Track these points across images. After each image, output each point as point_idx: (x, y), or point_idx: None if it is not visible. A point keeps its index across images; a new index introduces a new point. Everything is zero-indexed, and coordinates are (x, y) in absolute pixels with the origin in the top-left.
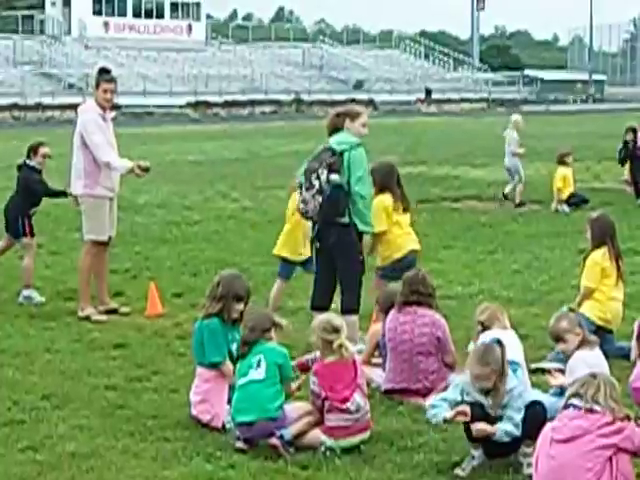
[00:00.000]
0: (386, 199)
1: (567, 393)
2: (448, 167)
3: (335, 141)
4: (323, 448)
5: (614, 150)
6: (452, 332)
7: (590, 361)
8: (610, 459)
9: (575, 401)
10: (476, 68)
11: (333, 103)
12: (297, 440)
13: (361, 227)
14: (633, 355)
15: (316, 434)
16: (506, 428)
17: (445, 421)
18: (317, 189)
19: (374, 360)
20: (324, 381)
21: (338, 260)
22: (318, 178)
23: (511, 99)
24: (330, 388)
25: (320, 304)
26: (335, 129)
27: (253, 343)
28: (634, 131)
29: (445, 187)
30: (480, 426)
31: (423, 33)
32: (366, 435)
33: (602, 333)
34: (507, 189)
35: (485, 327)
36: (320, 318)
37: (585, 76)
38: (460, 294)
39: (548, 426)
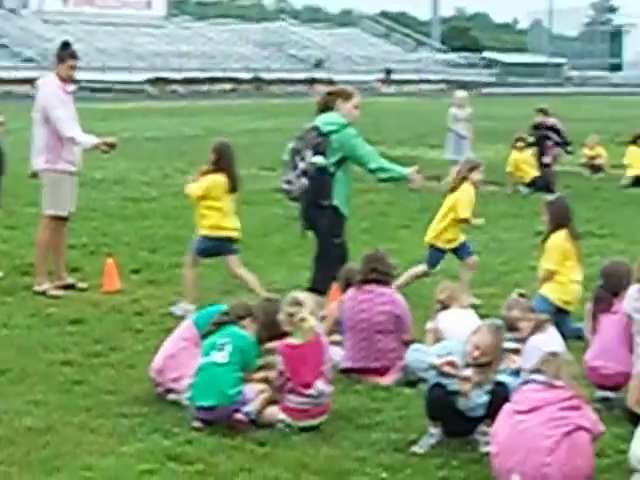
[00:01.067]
0: (220, 179)
1: (528, 370)
2: (407, 148)
3: (322, 121)
4: (281, 425)
5: (573, 133)
6: (411, 311)
7: (544, 347)
8: (569, 434)
9: (536, 377)
10: (436, 49)
11: (293, 82)
12: (257, 417)
13: (399, 173)
14: (587, 334)
15: (275, 412)
16: (479, 401)
17: (431, 366)
18: (301, 170)
19: (332, 338)
20: (289, 363)
21: (319, 240)
22: (303, 159)
23: (471, 81)
24: (294, 371)
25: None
26: (325, 108)
27: (223, 325)
28: (545, 113)
29: (404, 167)
30: (466, 373)
31: (383, 13)
32: (325, 417)
33: (560, 315)
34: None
35: (444, 306)
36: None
37: (544, 59)
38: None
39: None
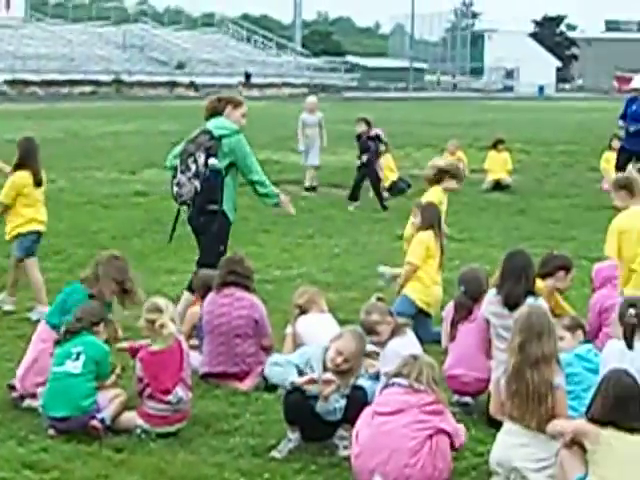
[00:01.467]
0: (25, 175)
1: (390, 373)
2: (269, 151)
3: (213, 125)
4: (139, 431)
5: (433, 137)
6: (270, 315)
7: (403, 351)
8: (431, 437)
9: (399, 380)
10: (298, 53)
11: (154, 84)
12: (113, 423)
13: (272, 201)
14: (444, 342)
15: (132, 417)
16: (336, 405)
17: (291, 384)
18: (194, 173)
19: (190, 342)
20: (148, 369)
21: (204, 245)
22: (195, 162)
23: (333, 85)
24: (154, 377)
25: None
26: (214, 113)
27: (76, 333)
28: (367, 122)
29: (265, 171)
30: (328, 376)
31: (245, 16)
32: (184, 423)
33: (421, 317)
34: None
35: (303, 310)
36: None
37: (406, 64)
38: (278, 278)
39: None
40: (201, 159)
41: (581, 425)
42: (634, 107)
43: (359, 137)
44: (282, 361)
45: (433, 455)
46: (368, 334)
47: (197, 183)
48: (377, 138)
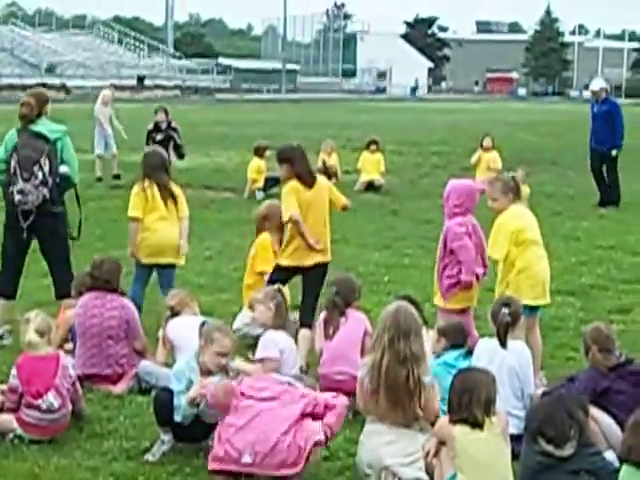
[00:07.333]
0: None
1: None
2: (141, 153)
3: (46, 129)
4: (12, 435)
5: (306, 139)
6: (143, 318)
7: (276, 338)
8: (298, 419)
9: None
10: (170, 55)
11: (24, 87)
12: None
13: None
14: (318, 344)
15: (8, 420)
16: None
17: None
18: (41, 180)
19: (66, 347)
20: (23, 373)
21: (55, 247)
22: (41, 169)
23: (205, 87)
24: (27, 381)
25: (8, 291)
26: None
27: None
28: (165, 111)
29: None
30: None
31: (117, 18)
32: (59, 433)
33: None
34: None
35: (175, 312)
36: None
37: (279, 65)
38: (150, 281)
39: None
40: (46, 166)
41: (438, 426)
42: (595, 109)
43: (157, 124)
44: (153, 369)
45: (300, 436)
46: (249, 308)
47: (46, 191)
48: (174, 129)
